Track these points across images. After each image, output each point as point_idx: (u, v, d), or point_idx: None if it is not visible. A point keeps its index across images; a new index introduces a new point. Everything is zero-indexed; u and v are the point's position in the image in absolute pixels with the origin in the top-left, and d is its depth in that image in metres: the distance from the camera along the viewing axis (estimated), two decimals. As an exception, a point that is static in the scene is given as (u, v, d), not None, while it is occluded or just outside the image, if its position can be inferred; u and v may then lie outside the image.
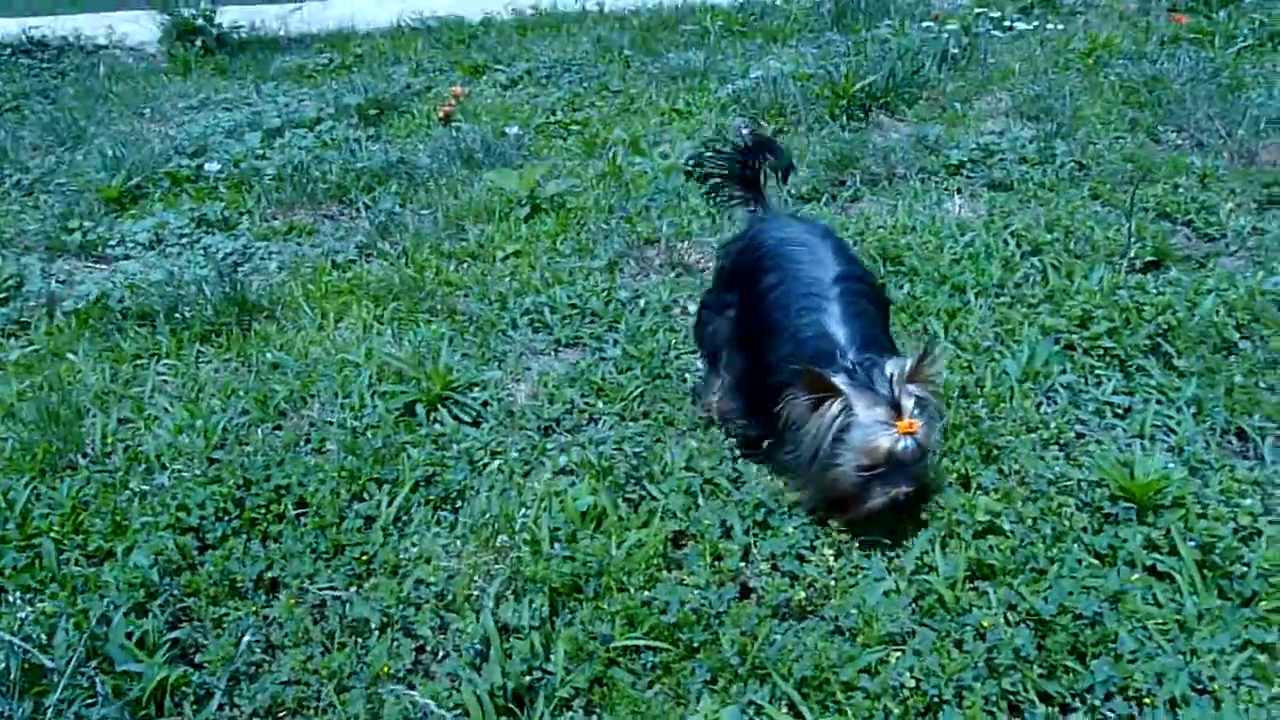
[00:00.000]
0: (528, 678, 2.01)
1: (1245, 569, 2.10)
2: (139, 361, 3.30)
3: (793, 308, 2.41)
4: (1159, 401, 2.71)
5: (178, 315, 3.50)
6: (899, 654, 1.98)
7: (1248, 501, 2.27)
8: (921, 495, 2.27)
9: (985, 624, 1.99)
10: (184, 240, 4.20)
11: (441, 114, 5.58)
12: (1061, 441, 2.56)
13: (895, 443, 2.13)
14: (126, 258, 4.07)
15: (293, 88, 6.40)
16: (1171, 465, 2.36)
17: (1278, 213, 3.84)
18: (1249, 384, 2.74)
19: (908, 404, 2.15)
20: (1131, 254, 3.46)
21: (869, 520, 2.25)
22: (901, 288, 3.36)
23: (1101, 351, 2.92)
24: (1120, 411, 2.71)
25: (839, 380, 2.19)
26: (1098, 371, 2.86)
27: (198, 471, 2.63)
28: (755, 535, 2.36)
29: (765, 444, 2.48)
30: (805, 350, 2.32)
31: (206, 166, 4.90)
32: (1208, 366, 2.83)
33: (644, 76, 6.05)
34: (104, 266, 4.05)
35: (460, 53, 6.95)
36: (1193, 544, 2.16)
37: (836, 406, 2.17)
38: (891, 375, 2.18)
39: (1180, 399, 2.71)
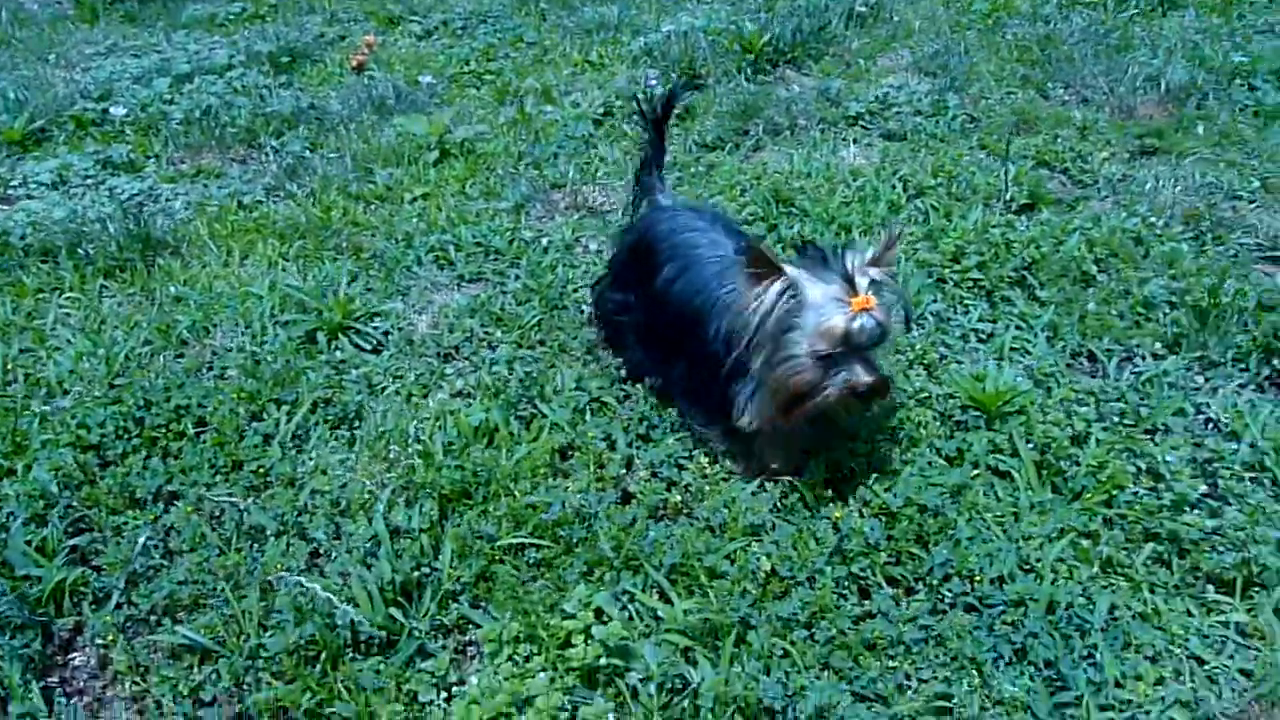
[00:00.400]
0: (416, 573, 2.14)
1: (1076, 467, 2.31)
2: (41, 295, 3.32)
3: (708, 283, 2.30)
4: (1018, 327, 2.92)
5: (80, 252, 3.52)
6: (759, 544, 2.15)
7: (1084, 409, 2.49)
8: (880, 391, 2.07)
9: (838, 516, 2.17)
10: (88, 181, 4.18)
11: (354, 63, 5.58)
12: (925, 362, 2.74)
13: (851, 320, 1.97)
14: (29, 197, 4.05)
15: (204, 36, 6.33)
16: (1020, 379, 2.57)
17: (1147, 161, 4.08)
18: (1102, 311, 2.96)
19: (862, 281, 2.00)
20: (1008, 197, 3.66)
21: (824, 420, 2.13)
22: (791, 227, 3.52)
23: (971, 284, 3.12)
24: (984, 337, 2.91)
25: (793, 268, 2.06)
26: (966, 302, 3.06)
27: (98, 394, 2.69)
28: (638, 447, 2.51)
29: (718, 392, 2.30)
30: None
31: (112, 110, 4.86)
32: (1066, 297, 3.05)
33: (559, 29, 6.10)
34: (5, 206, 4.02)
35: (375, 3, 6.91)
36: (1031, 446, 2.37)
37: (779, 285, 2.03)
38: (847, 255, 2.04)
39: (1038, 325, 2.92)
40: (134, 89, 5.20)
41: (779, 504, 2.27)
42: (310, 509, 2.32)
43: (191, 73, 5.40)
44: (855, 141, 4.40)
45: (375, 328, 3.02)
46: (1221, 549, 2.13)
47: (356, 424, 2.62)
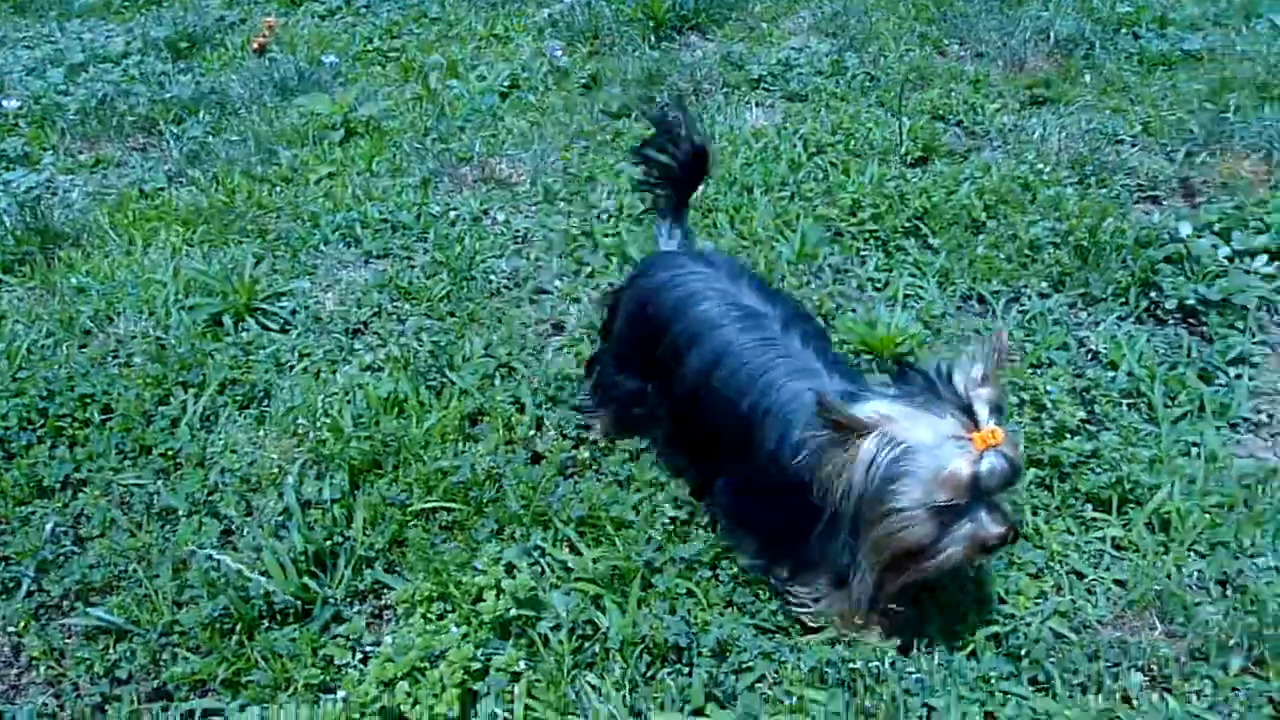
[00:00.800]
0: (329, 543, 2.17)
1: (962, 401, 2.42)
2: (-65, 294, 3.25)
3: (754, 380, 1.88)
4: (912, 275, 3.03)
5: (-25, 248, 3.45)
6: (664, 493, 2.22)
7: (970, 348, 2.59)
8: (1010, 540, 1.70)
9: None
10: (-18, 176, 4.08)
11: (256, 45, 5.50)
12: (823, 312, 2.84)
13: (976, 462, 1.58)
14: (-81, 195, 3.94)
15: (98, 24, 6.16)
16: (911, 323, 2.67)
17: (1037, 111, 4.22)
18: (990, 255, 3.08)
19: (982, 409, 1.62)
20: (903, 151, 3.77)
21: (941, 580, 1.79)
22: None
23: (867, 235, 3.22)
24: (879, 285, 3.02)
25: (866, 410, 1.64)
26: (862, 253, 3.16)
27: (0, 387, 2.66)
28: (546, 408, 2.56)
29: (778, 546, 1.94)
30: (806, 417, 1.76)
31: (4, 104, 4.72)
32: (958, 243, 3.16)
33: (464, 3, 6.07)
34: (-105, 205, 3.91)
35: (277, -15, 6.80)
36: (921, 385, 2.47)
37: (870, 444, 1.63)
38: (956, 376, 1.67)
39: (930, 271, 3.03)
40: (27, 80, 5.06)
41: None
42: (220, 487, 2.33)
43: (86, 62, 5.28)
44: (758, 104, 4.48)
45: (282, 307, 3.02)
46: (1098, 470, 2.26)
47: (265, 402, 2.63)
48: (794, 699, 1.81)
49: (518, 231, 3.47)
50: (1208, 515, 2.14)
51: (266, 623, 2.05)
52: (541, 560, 2.14)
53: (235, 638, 2.01)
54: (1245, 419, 2.50)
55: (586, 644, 1.96)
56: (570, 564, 2.10)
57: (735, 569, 2.05)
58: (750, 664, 1.88)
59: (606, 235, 3.32)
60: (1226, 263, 2.94)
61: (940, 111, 4.17)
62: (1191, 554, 2.08)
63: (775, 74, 4.70)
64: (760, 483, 1.90)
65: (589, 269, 3.18)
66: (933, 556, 1.66)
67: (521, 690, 1.86)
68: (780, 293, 2.12)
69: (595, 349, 2.50)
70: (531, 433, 2.47)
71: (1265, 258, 2.95)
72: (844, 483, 1.65)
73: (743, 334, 1.93)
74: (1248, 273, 2.90)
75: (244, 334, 2.90)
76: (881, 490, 1.63)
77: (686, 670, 1.90)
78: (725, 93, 4.59)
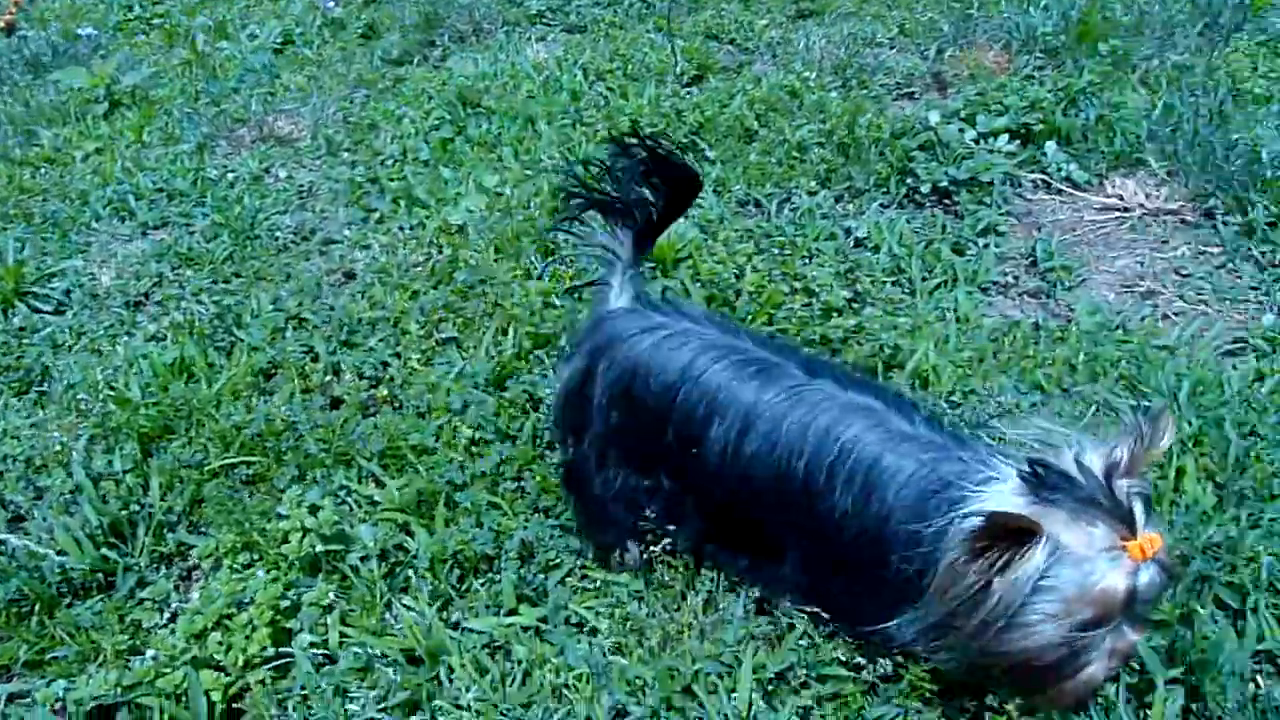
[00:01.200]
0: (125, 513, 2.14)
1: (736, 295, 2.57)
2: None
3: (810, 432, 1.56)
4: (691, 186, 3.15)
5: None
6: (462, 418, 2.28)
7: (744, 245, 2.74)
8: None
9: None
10: None
11: (3, 24, 5.14)
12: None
13: (1134, 576, 1.34)
14: None
15: None
16: (689, 230, 2.79)
17: (803, 24, 4.41)
18: (762, 161, 3.23)
19: (1139, 510, 1.37)
20: (679, 71, 3.88)
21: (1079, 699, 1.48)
22: (480, 126, 3.60)
23: (647, 153, 3.32)
24: (662, 200, 3.12)
25: (1033, 511, 1.35)
26: (644, 170, 3.26)
27: None
28: (342, 354, 2.56)
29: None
30: (910, 492, 1.50)
31: None
32: (732, 153, 3.30)
33: (228, -37, 5.81)
34: None
35: (19, -42, 6.32)
36: (700, 285, 2.60)
37: (1040, 555, 1.33)
38: (1098, 468, 1.37)
39: (708, 181, 3.15)
40: None
41: (484, 381, 2.40)
42: (3, 474, 2.25)
43: None
44: (539, 39, 4.51)
45: (55, 289, 2.90)
46: (863, 341, 2.44)
47: (43, 384, 2.54)
48: (598, 584, 1.92)
49: (301, 186, 3.41)
50: (960, 369, 2.35)
51: (68, 599, 2.01)
52: (347, 498, 2.16)
53: (35, 618, 1.97)
54: (994, 282, 2.74)
55: (398, 569, 2.01)
56: (376, 497, 2.14)
57: (538, 477, 2.13)
58: (557, 561, 1.98)
59: (392, 180, 3.31)
60: (973, 145, 3.19)
61: (713, 31, 4.30)
62: (947, 404, 2.28)
63: (554, 8, 4.74)
64: (832, 548, 1.60)
65: (377, 214, 3.17)
66: (1069, 677, 1.41)
67: (335, 620, 1.90)
68: (784, 341, 1.85)
69: (567, 457, 1.97)
70: (328, 378, 2.48)
71: (1006, 137, 3.20)
72: (981, 593, 1.37)
73: (767, 388, 1.62)
74: (991, 152, 3.15)
75: (14, 320, 2.77)
76: (1009, 602, 1.36)
77: (497, 577, 1.97)
78: (506, 30, 4.60)
